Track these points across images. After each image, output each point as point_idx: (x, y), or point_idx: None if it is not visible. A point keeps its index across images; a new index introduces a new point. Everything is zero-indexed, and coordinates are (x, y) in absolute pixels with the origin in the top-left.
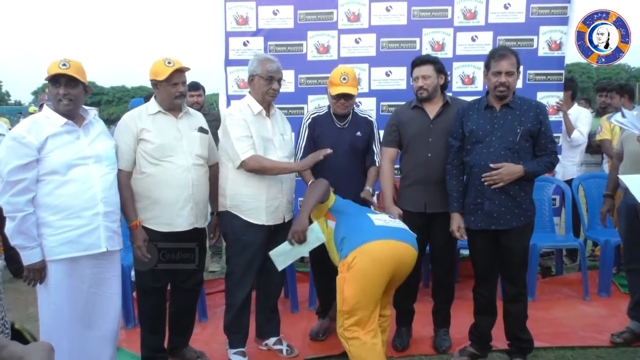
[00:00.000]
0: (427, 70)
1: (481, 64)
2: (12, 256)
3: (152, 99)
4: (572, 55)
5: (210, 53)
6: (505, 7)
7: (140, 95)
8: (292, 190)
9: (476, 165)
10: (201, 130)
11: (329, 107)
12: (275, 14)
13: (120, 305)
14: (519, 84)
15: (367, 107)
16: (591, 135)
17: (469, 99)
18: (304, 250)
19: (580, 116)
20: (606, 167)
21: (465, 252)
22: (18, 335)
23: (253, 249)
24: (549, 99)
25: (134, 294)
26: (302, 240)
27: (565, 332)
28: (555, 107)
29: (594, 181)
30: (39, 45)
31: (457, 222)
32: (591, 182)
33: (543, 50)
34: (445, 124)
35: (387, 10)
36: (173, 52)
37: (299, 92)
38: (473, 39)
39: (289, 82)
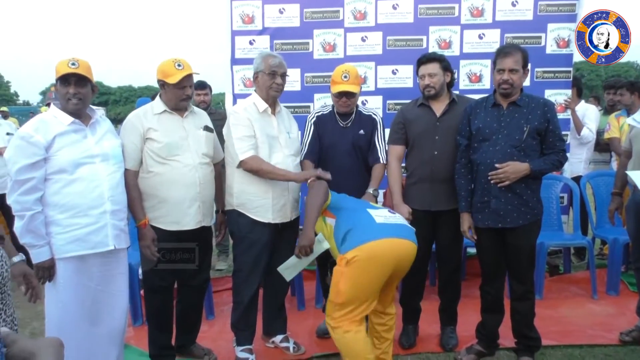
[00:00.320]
0: (434, 68)
1: (488, 62)
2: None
3: (158, 97)
4: None
5: (216, 52)
6: (513, 4)
7: (147, 94)
8: (298, 188)
9: (482, 164)
10: (206, 129)
11: (333, 106)
12: (281, 12)
13: (127, 303)
14: (527, 82)
15: (374, 105)
16: (599, 134)
17: (476, 97)
18: (310, 259)
19: (587, 112)
20: (615, 165)
21: (472, 250)
22: None
23: (260, 246)
24: (557, 96)
25: (142, 292)
26: (309, 254)
27: (573, 330)
28: (563, 105)
29: (602, 179)
30: (46, 46)
31: (467, 222)
32: (599, 180)
33: (551, 48)
34: (452, 121)
35: (394, 8)
36: (179, 51)
37: (305, 91)
38: (480, 37)
39: (295, 80)
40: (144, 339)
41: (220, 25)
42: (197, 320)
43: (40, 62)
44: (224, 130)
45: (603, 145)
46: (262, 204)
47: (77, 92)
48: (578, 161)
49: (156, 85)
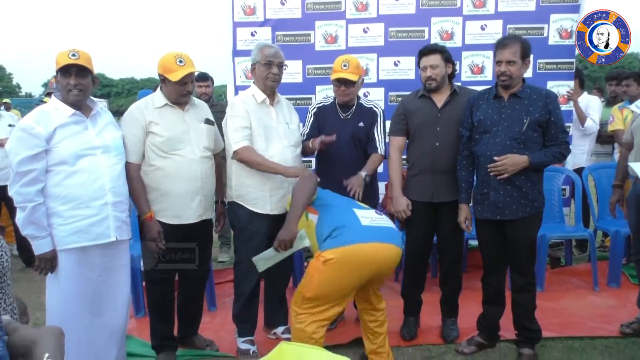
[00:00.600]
0: (435, 59)
1: (490, 53)
2: (24, 246)
3: (159, 90)
4: None
5: (218, 44)
6: None
7: (149, 87)
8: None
9: (482, 156)
10: (207, 121)
11: (334, 97)
12: (282, 3)
13: (128, 294)
14: (529, 73)
15: (375, 97)
16: (602, 126)
17: (478, 88)
18: (287, 254)
19: (591, 104)
20: (617, 157)
21: (473, 242)
22: None
23: (259, 238)
24: (559, 88)
25: (144, 283)
26: (288, 248)
27: (574, 322)
28: (566, 97)
29: (604, 171)
30: (48, 38)
31: (464, 214)
32: (601, 172)
33: (554, 39)
34: (453, 113)
35: None
36: (181, 43)
37: (307, 83)
38: (482, 28)
39: (296, 72)
40: (146, 330)
41: (221, 17)
42: (199, 311)
43: (42, 54)
44: (223, 123)
45: (605, 137)
46: (260, 196)
47: (78, 83)
48: (581, 153)
49: (157, 77)
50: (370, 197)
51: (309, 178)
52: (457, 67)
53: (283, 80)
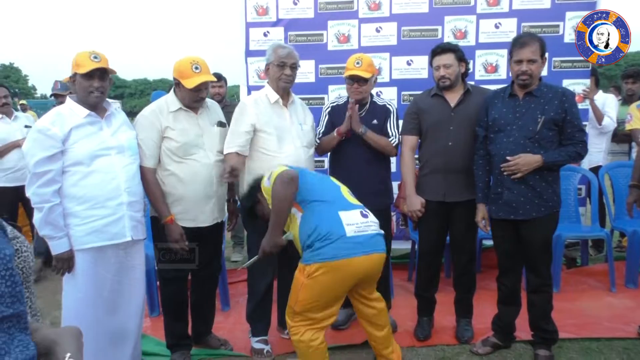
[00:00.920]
0: (448, 58)
1: (504, 52)
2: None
3: (172, 93)
4: None
5: (230, 44)
6: None
7: (162, 87)
8: None
9: (497, 155)
10: (220, 124)
11: (347, 97)
12: (295, 3)
13: (144, 293)
14: (544, 72)
15: (388, 96)
16: (619, 124)
17: (492, 87)
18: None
19: (607, 101)
20: (635, 156)
21: (487, 242)
22: None
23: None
24: (575, 86)
25: (158, 282)
26: (272, 256)
27: (590, 323)
28: (582, 95)
29: (621, 170)
30: (62, 39)
31: (481, 213)
32: (618, 171)
33: (569, 37)
34: (467, 112)
35: None
36: (194, 43)
37: (320, 82)
38: (496, 26)
39: (309, 72)
40: (161, 329)
41: (234, 17)
42: (212, 309)
43: (56, 56)
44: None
45: (621, 136)
46: None
47: (100, 85)
48: (597, 151)
49: (171, 78)
50: (383, 197)
51: (284, 182)
52: (471, 66)
53: (296, 80)
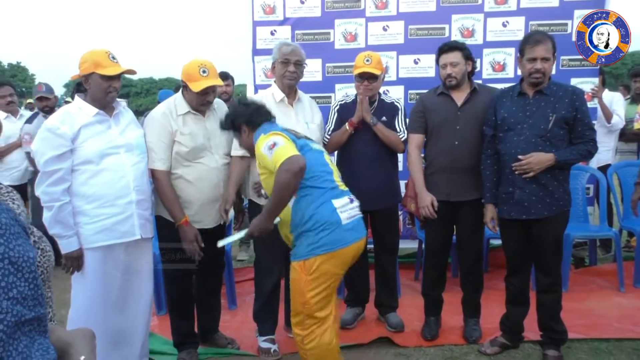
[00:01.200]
0: (455, 57)
1: (512, 50)
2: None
3: (180, 96)
4: None
5: (237, 43)
6: None
7: (168, 86)
8: None
9: (507, 154)
10: None
11: (356, 95)
12: (302, 2)
13: (151, 292)
14: (552, 70)
15: (395, 95)
16: (627, 123)
17: (499, 86)
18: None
19: (615, 99)
20: None
21: (495, 242)
22: None
23: (279, 236)
24: (583, 85)
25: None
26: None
27: (599, 323)
28: (590, 94)
29: (630, 169)
30: (68, 38)
31: (490, 214)
32: (627, 170)
33: None
34: (473, 111)
35: None
36: (201, 43)
37: (327, 81)
38: (504, 25)
39: (316, 71)
40: (168, 328)
41: (241, 16)
42: (217, 307)
43: (63, 55)
44: None
45: (629, 135)
46: None
47: (118, 85)
48: (606, 150)
49: (177, 77)
50: (390, 196)
51: (290, 170)
52: (478, 64)
53: (303, 79)
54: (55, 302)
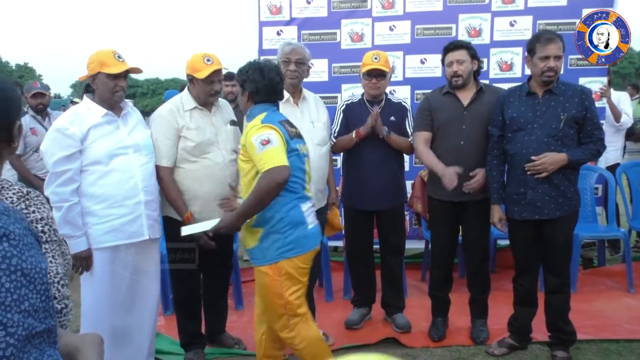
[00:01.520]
0: (462, 55)
1: (520, 50)
2: None
3: (187, 92)
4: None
5: (244, 43)
6: None
7: (174, 87)
8: (323, 179)
9: (518, 154)
10: (233, 123)
11: (362, 95)
12: (308, 2)
13: (158, 292)
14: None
15: (402, 95)
16: (635, 123)
17: (507, 85)
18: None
19: (622, 98)
20: None
21: (502, 242)
22: None
23: None
24: (591, 84)
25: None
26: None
27: (609, 324)
28: (598, 93)
29: (639, 170)
30: (74, 38)
31: (498, 214)
32: (636, 170)
33: None
34: (479, 110)
35: None
36: (207, 43)
37: (333, 81)
38: (511, 24)
39: (322, 71)
40: (174, 328)
41: (248, 16)
42: (224, 307)
43: (68, 54)
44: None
45: (638, 135)
46: None
47: (125, 84)
48: (614, 149)
49: (182, 77)
50: (397, 196)
51: (280, 185)
52: (486, 64)
53: (309, 79)
54: None
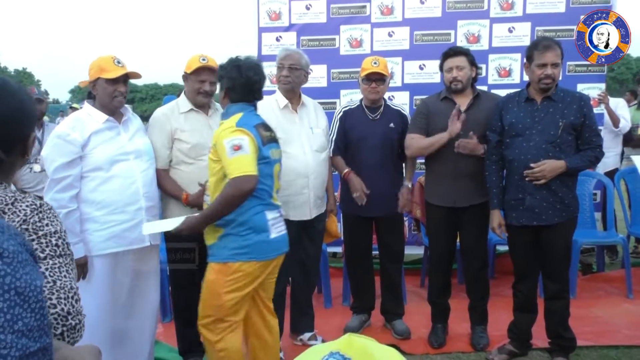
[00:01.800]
0: (461, 61)
1: (518, 56)
2: None
3: (183, 95)
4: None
5: (243, 49)
6: None
7: (173, 92)
8: (322, 185)
9: (516, 160)
10: None
11: (361, 100)
12: (307, 8)
13: (158, 296)
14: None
15: (400, 101)
16: (632, 129)
17: (505, 92)
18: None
19: (620, 105)
20: None
21: (501, 248)
22: None
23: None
24: (589, 90)
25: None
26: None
27: (608, 330)
28: (597, 100)
29: (637, 175)
30: (72, 44)
31: (497, 220)
32: (634, 176)
33: None
34: (477, 116)
35: (421, 2)
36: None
37: (332, 87)
38: (510, 30)
39: (321, 76)
40: (173, 335)
41: (247, 22)
42: None
43: (68, 60)
44: None
45: (637, 141)
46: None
47: (125, 90)
48: (614, 155)
49: (181, 82)
50: (395, 201)
51: (244, 195)
52: (484, 70)
53: (308, 85)
54: None
